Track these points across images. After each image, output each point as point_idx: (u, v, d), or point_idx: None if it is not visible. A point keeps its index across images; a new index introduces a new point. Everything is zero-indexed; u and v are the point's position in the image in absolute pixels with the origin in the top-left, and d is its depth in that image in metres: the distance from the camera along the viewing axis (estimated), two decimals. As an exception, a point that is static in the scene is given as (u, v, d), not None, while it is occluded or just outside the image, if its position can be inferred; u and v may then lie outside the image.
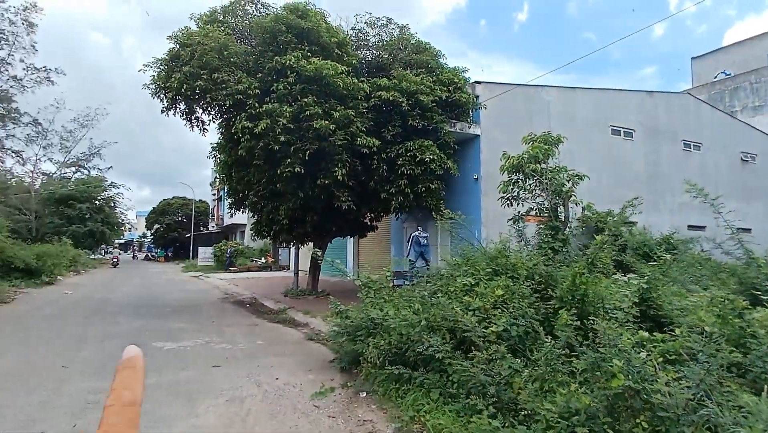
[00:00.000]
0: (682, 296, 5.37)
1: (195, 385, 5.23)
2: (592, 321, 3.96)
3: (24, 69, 23.58)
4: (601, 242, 4.88)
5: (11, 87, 23.23)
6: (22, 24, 22.21)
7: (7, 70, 22.97)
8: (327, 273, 17.06)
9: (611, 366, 3.06)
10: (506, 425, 3.23)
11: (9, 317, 9.91)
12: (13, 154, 25.57)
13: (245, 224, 33.92)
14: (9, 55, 22.84)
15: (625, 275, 5.76)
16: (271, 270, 27.75)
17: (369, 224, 13.87)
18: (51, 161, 31.39)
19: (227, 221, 37.91)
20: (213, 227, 45.10)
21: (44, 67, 23.91)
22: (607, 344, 3.33)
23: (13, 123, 24.09)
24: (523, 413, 3.39)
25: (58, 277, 19.84)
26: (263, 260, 29.26)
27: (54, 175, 32.64)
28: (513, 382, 3.65)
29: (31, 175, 29.81)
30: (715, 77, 26.73)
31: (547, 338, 3.99)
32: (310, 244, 13.84)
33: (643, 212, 8.18)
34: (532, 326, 4.42)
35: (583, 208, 7.61)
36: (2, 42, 22.11)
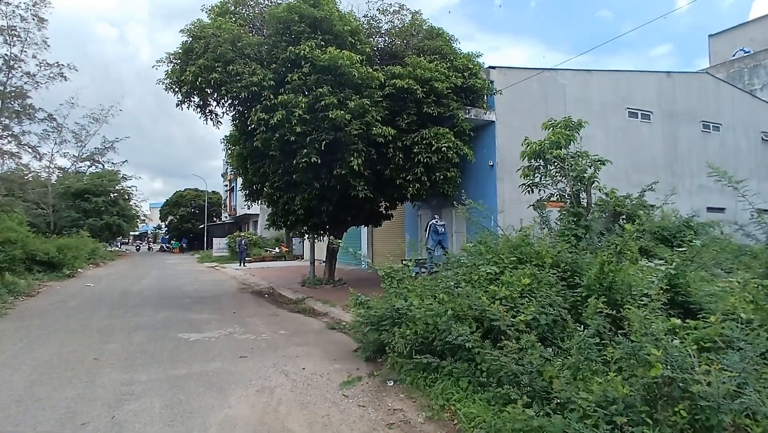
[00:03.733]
0: (710, 282, 5.31)
1: (224, 376, 5.32)
2: (621, 309, 3.95)
3: (37, 65, 23.81)
4: (630, 232, 4.82)
5: (25, 84, 23.48)
6: (33, 19, 22.34)
7: (20, 67, 23.22)
8: (343, 262, 17.17)
9: (647, 355, 3.05)
10: (540, 414, 3.24)
11: (36, 311, 10.14)
12: (30, 150, 25.96)
13: (258, 214, 34.16)
14: (22, 51, 23.04)
15: (649, 261, 5.70)
16: (285, 260, 27.99)
17: (384, 212, 13.89)
18: (65, 156, 31.84)
19: (240, 212, 38.20)
20: (226, 217, 45.51)
21: (57, 62, 24.09)
22: (641, 333, 3.31)
23: (29, 119, 24.39)
24: (556, 401, 3.40)
25: (79, 270, 20.23)
26: (277, 249, 29.50)
27: (69, 170, 33.11)
28: (544, 371, 3.65)
29: (47, 170, 30.27)
30: (734, 55, 26.00)
31: (578, 327, 3.99)
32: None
33: (675, 193, 8.08)
34: (561, 314, 4.41)
35: (606, 194, 7.51)
36: (15, 39, 22.31)
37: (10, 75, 23.05)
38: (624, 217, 7.72)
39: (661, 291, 4.33)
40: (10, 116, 23.59)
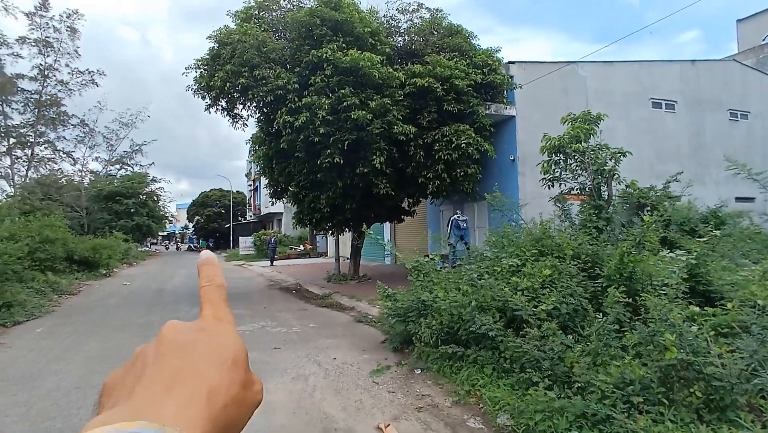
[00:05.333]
0: (732, 271, 5.38)
1: (261, 365, 5.66)
2: (641, 298, 4.10)
3: (69, 73, 24.89)
4: (649, 223, 4.95)
5: (59, 91, 24.56)
6: (66, 31, 23.36)
7: (54, 76, 24.31)
8: (366, 258, 17.49)
9: (663, 340, 3.23)
10: (561, 396, 3.44)
11: (80, 308, 10.75)
12: (64, 155, 27.14)
13: (282, 213, 34.83)
14: (55, 60, 24.13)
15: (672, 251, 5.79)
16: (309, 257, 28.51)
17: (407, 208, 14.13)
18: (97, 160, 33.10)
19: (264, 211, 38.99)
20: (250, 216, 46.46)
21: (87, 69, 25.12)
22: (658, 319, 3.48)
23: (63, 126, 25.51)
24: (576, 385, 3.59)
25: (114, 269, 21.12)
26: (301, 247, 30.06)
27: (101, 173, 34.38)
28: (565, 357, 3.85)
29: (80, 174, 31.54)
30: (763, 40, 25.19)
31: (598, 315, 4.16)
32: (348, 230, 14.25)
33: (691, 186, 8.09)
34: (581, 303, 4.58)
35: (627, 186, 7.57)
36: (49, 49, 23.36)
37: (45, 84, 24.19)
38: (648, 208, 7.76)
39: (682, 281, 4.46)
40: (46, 123, 24.73)
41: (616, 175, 7.19)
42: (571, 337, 4.14)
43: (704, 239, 5.93)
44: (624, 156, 7.18)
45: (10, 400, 4.55)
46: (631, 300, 4.24)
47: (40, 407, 4.35)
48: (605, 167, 6.95)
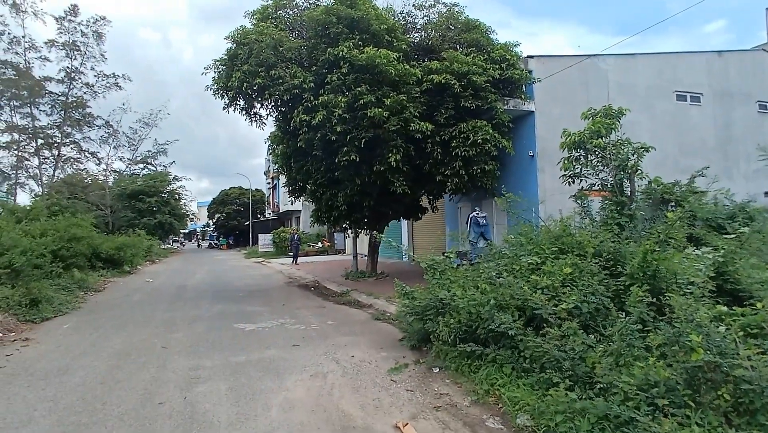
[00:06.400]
0: (761, 269, 5.20)
1: (280, 362, 5.72)
2: (665, 297, 3.99)
3: (95, 76, 25.54)
4: (673, 220, 4.81)
5: (84, 94, 25.23)
6: (92, 35, 23.96)
7: (80, 79, 24.96)
8: (384, 256, 17.49)
9: (689, 341, 3.13)
10: (583, 397, 3.38)
11: (105, 304, 11.02)
12: (90, 155, 27.88)
13: (300, 211, 35.12)
14: (81, 64, 24.79)
15: (698, 248, 5.62)
16: (327, 254, 28.70)
17: (425, 206, 14.08)
18: (121, 160, 33.90)
19: (283, 208, 39.36)
20: (269, 214, 46.96)
21: (113, 73, 25.77)
22: (683, 319, 3.38)
23: (88, 127, 26.20)
24: (598, 386, 3.52)
25: (138, 266, 21.61)
26: (319, 244, 30.26)
27: (124, 173, 35.23)
28: (586, 357, 3.77)
29: (104, 173, 32.35)
30: (795, 28, 24.24)
31: (620, 314, 4.07)
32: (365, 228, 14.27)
33: (717, 180, 7.86)
34: (603, 302, 4.49)
35: (650, 182, 7.38)
36: (75, 53, 24.00)
37: (71, 86, 24.87)
38: (673, 204, 7.57)
39: (708, 279, 4.33)
40: (72, 124, 25.43)
41: (639, 171, 7.01)
42: (593, 336, 4.06)
43: (732, 236, 5.74)
44: (647, 151, 7.00)
45: (39, 394, 4.69)
46: (654, 299, 4.14)
47: (66, 401, 4.47)
48: (627, 163, 6.79)
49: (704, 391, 3.08)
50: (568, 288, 4.70)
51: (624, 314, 4.14)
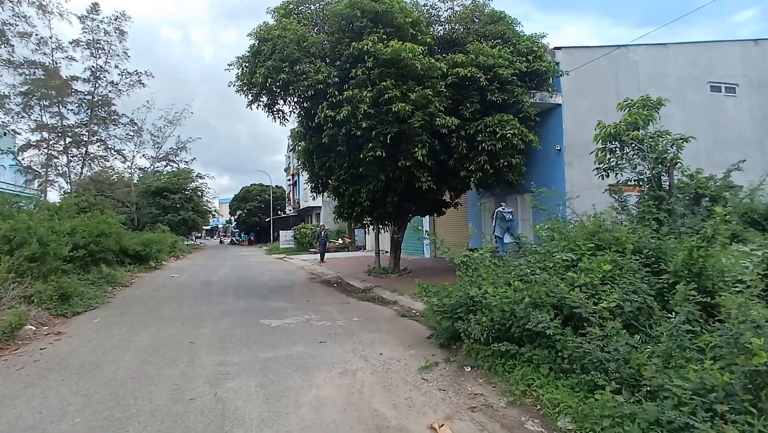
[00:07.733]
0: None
1: (308, 359, 5.66)
2: (713, 296, 3.78)
3: (119, 74, 26.01)
4: (722, 215, 4.57)
5: (109, 92, 25.71)
6: (115, 33, 24.37)
7: (105, 77, 25.45)
8: (406, 252, 17.37)
9: (749, 343, 2.93)
10: (631, 400, 3.21)
11: (133, 300, 11.19)
12: (115, 153, 28.45)
13: (320, 207, 35.22)
14: (105, 62, 25.25)
15: (744, 245, 5.35)
16: (348, 250, 28.72)
17: (449, 201, 13.90)
18: (145, 157, 34.54)
19: (303, 205, 39.56)
20: (290, 210, 47.31)
21: (136, 71, 26.17)
22: (740, 320, 3.18)
23: (114, 125, 26.72)
24: (646, 389, 3.34)
25: (163, 262, 21.97)
26: (340, 240, 30.31)
27: (148, 170, 35.86)
28: (631, 358, 3.59)
29: (129, 170, 32.99)
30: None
31: (665, 314, 3.87)
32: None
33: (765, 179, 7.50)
34: (646, 301, 4.29)
35: (690, 176, 7.07)
36: (99, 51, 24.46)
37: (96, 85, 25.37)
38: (708, 199, 7.23)
39: (758, 277, 4.09)
40: (98, 123, 25.96)
41: (679, 164, 6.72)
42: (637, 337, 3.87)
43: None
44: (687, 142, 6.70)
45: (72, 389, 4.73)
46: (702, 298, 3.93)
47: (99, 396, 4.49)
48: (666, 155, 6.50)
49: (765, 396, 2.88)
50: (608, 286, 4.52)
51: (670, 313, 3.94)
